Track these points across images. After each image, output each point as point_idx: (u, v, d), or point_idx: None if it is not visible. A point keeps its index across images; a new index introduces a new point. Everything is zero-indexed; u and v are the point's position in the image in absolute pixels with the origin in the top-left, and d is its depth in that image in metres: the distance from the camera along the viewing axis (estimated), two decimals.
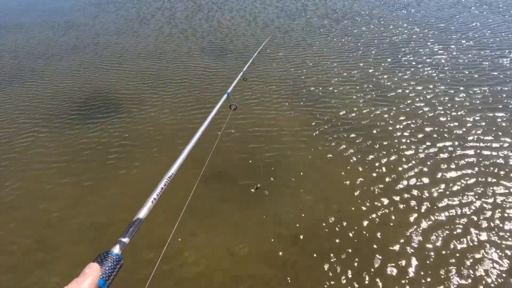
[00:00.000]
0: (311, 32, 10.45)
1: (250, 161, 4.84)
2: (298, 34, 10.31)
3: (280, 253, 3.47)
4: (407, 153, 4.83)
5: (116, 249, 0.78)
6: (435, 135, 5.17)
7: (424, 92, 6.42)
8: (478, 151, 4.79)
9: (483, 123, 5.38)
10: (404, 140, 5.10)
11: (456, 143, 4.98)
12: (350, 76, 7.29)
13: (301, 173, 4.55)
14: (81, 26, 13.18)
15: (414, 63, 7.76)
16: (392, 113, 5.81)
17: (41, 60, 9.66)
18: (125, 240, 0.84)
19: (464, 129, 5.27)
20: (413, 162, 4.65)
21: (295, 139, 5.31)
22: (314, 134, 5.39)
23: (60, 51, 10.43)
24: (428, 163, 4.62)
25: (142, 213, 0.97)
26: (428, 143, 5.00)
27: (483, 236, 3.52)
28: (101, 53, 10.07)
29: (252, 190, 4.30)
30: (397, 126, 5.44)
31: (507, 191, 4.07)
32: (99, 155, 5.23)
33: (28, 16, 15.11)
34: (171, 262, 3.40)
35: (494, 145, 4.89)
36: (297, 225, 3.78)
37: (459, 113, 5.69)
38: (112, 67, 8.87)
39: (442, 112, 5.76)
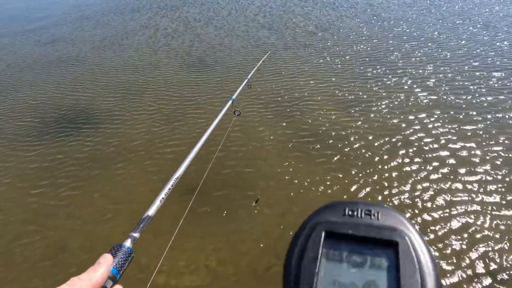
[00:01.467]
0: (299, 50, 10.10)
1: (231, 180, 4.31)
2: (285, 54, 9.95)
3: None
4: (401, 188, 4.33)
5: (128, 243, 0.80)
6: (428, 167, 4.69)
7: (419, 119, 5.94)
8: (474, 186, 4.32)
9: (479, 153, 4.93)
10: (397, 173, 4.61)
11: (452, 176, 4.51)
12: (341, 100, 6.84)
13: (289, 194, 4.07)
14: (61, 41, 12.81)
15: (408, 86, 7.28)
16: (384, 140, 5.34)
17: (12, 79, 9.17)
18: (136, 235, 0.87)
19: (460, 161, 4.80)
20: (404, 199, 4.15)
21: (281, 169, 4.80)
22: (303, 162, 4.88)
23: (36, 67, 10.09)
24: (420, 199, 4.12)
25: (151, 211, 1.03)
26: (418, 177, 4.52)
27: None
28: (79, 68, 9.73)
29: (253, 204, 4.18)
30: (391, 158, 4.95)
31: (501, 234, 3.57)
32: (57, 185, 4.64)
33: (14, 30, 14.72)
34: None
35: (494, 178, 4.42)
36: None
37: (454, 142, 5.24)
38: (89, 83, 8.56)
39: (435, 140, 5.31)
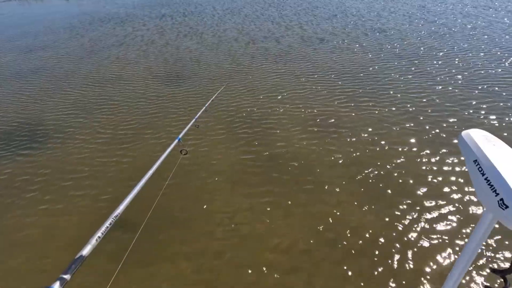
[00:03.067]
0: (274, 71, 9.24)
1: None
2: (259, 73, 9.12)
3: None
4: (396, 213, 3.39)
5: (56, 286, 0.77)
6: (421, 217, 3.75)
7: (405, 151, 5.05)
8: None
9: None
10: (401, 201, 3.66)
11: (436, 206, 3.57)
12: (314, 124, 5.96)
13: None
14: (38, 51, 12.25)
15: (395, 113, 6.37)
16: (383, 171, 4.43)
17: None
18: (66, 276, 0.81)
19: (454, 208, 3.87)
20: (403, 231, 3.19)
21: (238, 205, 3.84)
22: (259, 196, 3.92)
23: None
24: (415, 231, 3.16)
25: (86, 251, 0.94)
26: (400, 227, 3.57)
27: None
28: (42, 81, 9.16)
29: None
30: (388, 185, 4.04)
31: None
32: None
33: None
34: None
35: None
36: None
37: (443, 183, 4.31)
38: (50, 97, 8.06)
39: (429, 172, 4.40)
